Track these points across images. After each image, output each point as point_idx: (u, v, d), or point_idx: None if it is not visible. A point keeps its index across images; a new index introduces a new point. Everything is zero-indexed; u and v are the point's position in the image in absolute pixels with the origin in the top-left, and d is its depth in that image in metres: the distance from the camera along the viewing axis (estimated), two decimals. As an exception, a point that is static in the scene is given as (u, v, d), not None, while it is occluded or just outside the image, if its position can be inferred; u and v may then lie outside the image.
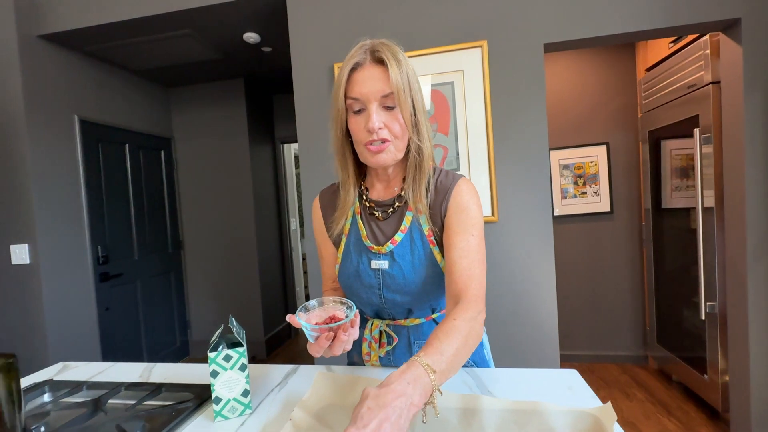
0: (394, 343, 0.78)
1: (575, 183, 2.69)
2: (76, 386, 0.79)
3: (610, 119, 2.65)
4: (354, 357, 0.84)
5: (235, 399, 0.65)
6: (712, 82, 1.80)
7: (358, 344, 0.81)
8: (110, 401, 0.73)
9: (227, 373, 0.65)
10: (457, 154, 1.74)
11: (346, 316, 0.59)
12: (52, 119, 2.20)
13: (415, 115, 0.69)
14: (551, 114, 2.69)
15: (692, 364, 2.09)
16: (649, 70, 2.42)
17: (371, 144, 0.68)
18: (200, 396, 0.71)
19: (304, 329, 0.58)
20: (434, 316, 0.78)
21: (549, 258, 1.69)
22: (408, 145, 0.71)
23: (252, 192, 3.13)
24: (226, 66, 2.81)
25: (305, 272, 4.31)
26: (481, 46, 1.69)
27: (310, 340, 0.59)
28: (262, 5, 1.98)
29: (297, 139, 1.92)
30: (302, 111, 1.86)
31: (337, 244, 0.81)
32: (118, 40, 2.26)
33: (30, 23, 2.09)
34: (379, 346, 0.79)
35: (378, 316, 0.80)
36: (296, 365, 0.85)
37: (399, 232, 0.74)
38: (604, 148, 2.64)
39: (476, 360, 0.80)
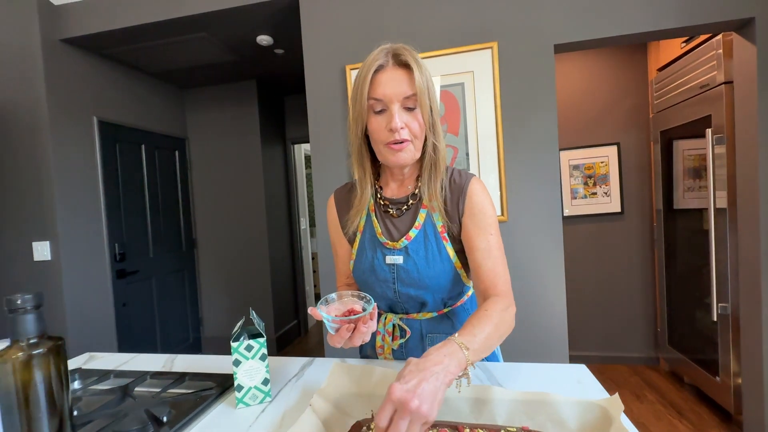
0: (407, 336, 0.80)
1: (585, 183, 2.68)
2: (103, 374, 0.83)
3: (621, 119, 2.64)
4: (367, 350, 0.87)
5: (256, 387, 0.68)
6: (724, 82, 1.79)
7: (371, 337, 0.84)
8: (137, 389, 0.77)
9: (249, 362, 0.68)
10: (467, 155, 1.76)
11: (364, 309, 0.62)
12: (73, 120, 2.27)
13: (432, 116, 0.72)
14: (561, 114, 2.69)
15: (704, 366, 2.08)
16: (660, 70, 2.40)
17: (393, 144, 0.71)
18: (222, 384, 0.75)
19: (325, 321, 0.60)
20: (446, 310, 0.81)
21: (558, 258, 1.70)
22: (425, 145, 0.74)
23: (263, 192, 3.18)
24: (240, 68, 2.86)
25: (315, 271, 4.36)
26: (491, 48, 1.71)
27: (331, 331, 0.62)
28: (275, 9, 2.02)
29: (308, 139, 1.95)
30: (314, 112, 1.90)
31: (351, 241, 0.84)
32: (135, 43, 2.33)
33: (53, 28, 2.17)
34: (393, 339, 0.82)
35: (391, 310, 0.83)
36: (312, 358, 0.88)
37: (413, 229, 0.76)
38: (614, 148, 2.63)
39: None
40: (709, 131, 1.87)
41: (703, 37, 1.99)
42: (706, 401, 2.15)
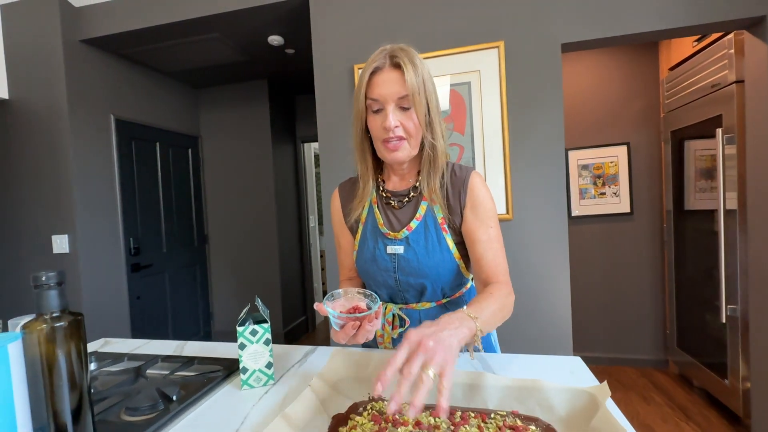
0: (407, 326, 0.83)
1: (594, 183, 2.67)
2: (118, 357, 0.88)
3: (631, 119, 2.62)
4: (368, 339, 0.90)
5: (260, 370, 0.72)
6: (736, 81, 1.77)
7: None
8: (149, 370, 0.81)
9: (253, 346, 0.71)
10: (473, 153, 1.77)
11: (369, 308, 0.64)
12: (91, 118, 2.35)
13: (429, 115, 0.75)
14: (570, 113, 2.68)
15: (713, 369, 2.05)
16: (672, 69, 2.38)
17: (388, 141, 0.74)
18: (229, 368, 0.78)
19: (330, 317, 0.62)
20: (444, 301, 0.83)
21: (563, 257, 1.70)
22: (422, 143, 0.77)
23: (273, 189, 3.24)
24: (251, 67, 2.92)
25: (323, 269, 4.41)
26: (498, 47, 1.72)
27: (336, 328, 0.64)
28: (286, 9, 2.06)
29: (317, 138, 1.99)
30: (323, 111, 1.94)
31: (353, 232, 0.87)
32: (151, 43, 2.40)
33: (74, 29, 2.25)
34: (392, 329, 0.84)
35: (392, 300, 0.85)
36: (315, 346, 0.91)
37: (414, 220, 0.79)
38: (624, 148, 2.61)
39: (484, 345, 0.84)
40: (719, 131, 1.85)
41: (714, 36, 1.97)
42: (715, 405, 2.12)
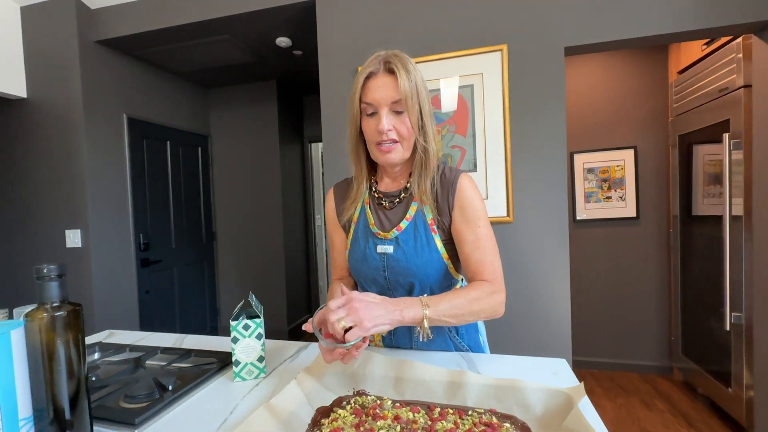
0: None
1: (600, 187, 2.65)
2: (120, 348, 0.92)
3: (639, 123, 2.59)
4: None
5: (251, 363, 0.75)
6: (743, 86, 1.75)
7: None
8: (148, 361, 0.85)
9: (246, 340, 0.74)
10: (475, 156, 1.78)
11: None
12: (105, 117, 2.42)
13: (422, 119, 0.78)
14: (577, 116, 2.67)
15: (717, 377, 2.02)
16: (681, 72, 2.35)
17: (381, 144, 0.76)
18: (223, 361, 0.81)
19: (320, 341, 0.62)
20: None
21: (564, 260, 1.70)
22: (414, 146, 0.79)
23: (280, 189, 3.29)
24: (260, 68, 2.97)
25: (328, 267, 4.45)
26: (501, 50, 1.73)
27: (323, 345, 0.63)
28: (293, 12, 2.10)
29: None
30: (327, 112, 1.97)
31: (346, 231, 0.90)
32: (163, 44, 2.46)
33: (89, 30, 2.32)
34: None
35: (382, 297, 0.88)
36: (308, 342, 0.93)
37: (404, 220, 0.81)
38: (631, 152, 2.59)
39: (471, 345, 0.86)
40: (726, 136, 1.83)
41: (724, 40, 1.94)
42: (718, 413, 2.09)
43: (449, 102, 1.80)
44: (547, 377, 0.71)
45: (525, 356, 0.80)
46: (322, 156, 4.25)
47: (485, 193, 1.76)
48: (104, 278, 2.38)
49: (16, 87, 2.28)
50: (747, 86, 1.73)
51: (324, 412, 0.60)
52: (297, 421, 0.58)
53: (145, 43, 2.44)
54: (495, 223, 1.75)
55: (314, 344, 0.92)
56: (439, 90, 1.81)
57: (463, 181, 0.80)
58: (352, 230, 0.87)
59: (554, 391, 0.59)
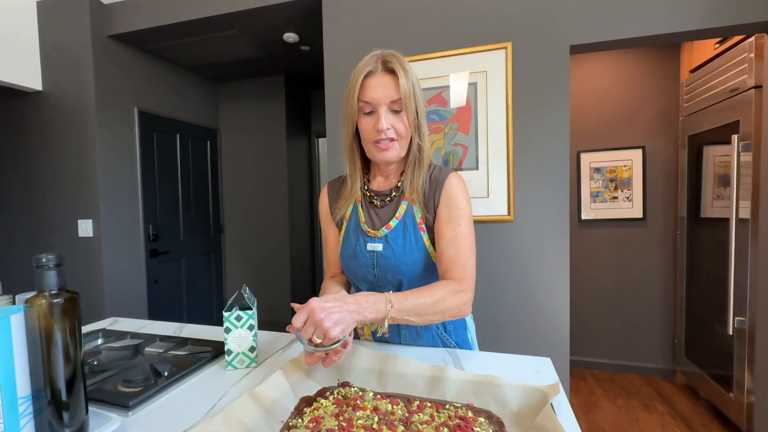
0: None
1: (606, 187, 2.62)
2: (122, 335, 0.96)
3: (648, 122, 2.55)
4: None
5: (243, 353, 0.78)
6: (754, 87, 1.71)
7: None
8: (147, 348, 0.89)
9: (238, 330, 0.77)
10: (477, 153, 1.78)
11: (338, 341, 0.64)
12: (116, 110, 2.48)
13: (417, 117, 0.79)
14: (584, 114, 2.63)
15: (719, 381, 2.00)
16: (693, 71, 2.30)
17: (379, 142, 0.78)
18: (217, 350, 0.84)
19: (302, 344, 0.64)
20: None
21: (564, 260, 1.70)
22: (410, 144, 0.80)
23: (287, 182, 3.33)
24: (268, 64, 3.00)
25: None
26: (505, 48, 1.72)
27: (305, 348, 0.64)
28: (300, 8, 2.12)
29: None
30: (332, 108, 1.98)
31: (339, 228, 0.92)
32: (174, 39, 2.51)
33: (102, 25, 2.38)
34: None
35: (371, 293, 0.90)
36: (301, 334, 0.96)
37: (394, 219, 0.83)
38: (639, 152, 2.55)
39: (459, 342, 0.88)
40: (735, 137, 1.79)
41: (736, 39, 1.90)
42: (719, 417, 2.07)
43: (458, 98, 1.79)
44: (529, 375, 0.72)
45: (510, 354, 0.81)
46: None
47: (486, 191, 1.77)
48: (114, 267, 2.45)
49: (32, 80, 2.35)
50: (758, 87, 1.69)
51: (308, 401, 0.63)
52: (280, 409, 0.60)
53: (156, 38, 2.49)
54: (495, 222, 1.76)
55: (307, 336, 0.94)
56: (443, 87, 1.80)
57: (452, 179, 0.82)
58: (344, 228, 0.89)
59: (530, 388, 0.61)
